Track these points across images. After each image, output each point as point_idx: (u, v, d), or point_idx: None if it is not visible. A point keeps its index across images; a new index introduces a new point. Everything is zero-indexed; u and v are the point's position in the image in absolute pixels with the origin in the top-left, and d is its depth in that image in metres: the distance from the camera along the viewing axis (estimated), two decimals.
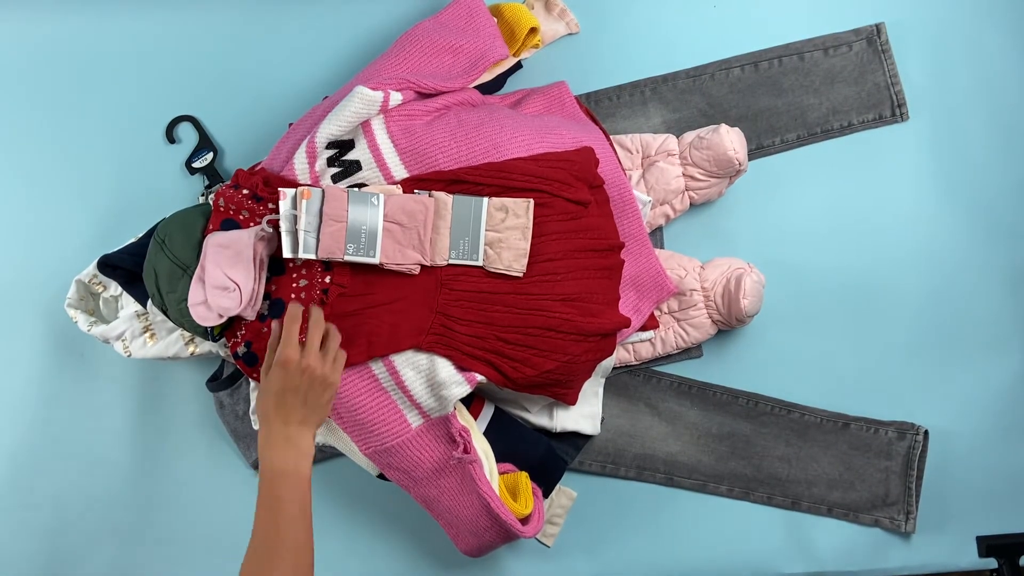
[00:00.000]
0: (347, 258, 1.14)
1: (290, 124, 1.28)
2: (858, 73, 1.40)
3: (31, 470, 1.39)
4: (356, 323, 1.16)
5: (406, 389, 1.16)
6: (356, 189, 1.16)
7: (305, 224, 1.14)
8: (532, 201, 1.15)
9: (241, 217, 1.20)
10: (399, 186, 1.17)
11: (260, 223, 1.18)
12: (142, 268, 1.23)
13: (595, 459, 1.37)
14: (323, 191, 1.15)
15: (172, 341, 1.29)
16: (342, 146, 1.18)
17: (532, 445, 1.27)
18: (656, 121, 1.40)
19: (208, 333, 1.20)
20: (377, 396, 1.17)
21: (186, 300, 1.18)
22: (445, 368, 1.16)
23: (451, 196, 1.16)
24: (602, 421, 1.36)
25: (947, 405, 1.38)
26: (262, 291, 1.17)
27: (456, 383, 1.16)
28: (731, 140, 1.29)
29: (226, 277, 1.15)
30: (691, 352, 1.38)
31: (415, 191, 1.17)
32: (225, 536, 1.38)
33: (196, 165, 1.39)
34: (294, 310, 1.03)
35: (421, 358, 1.16)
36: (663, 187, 1.34)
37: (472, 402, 1.26)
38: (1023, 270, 1.40)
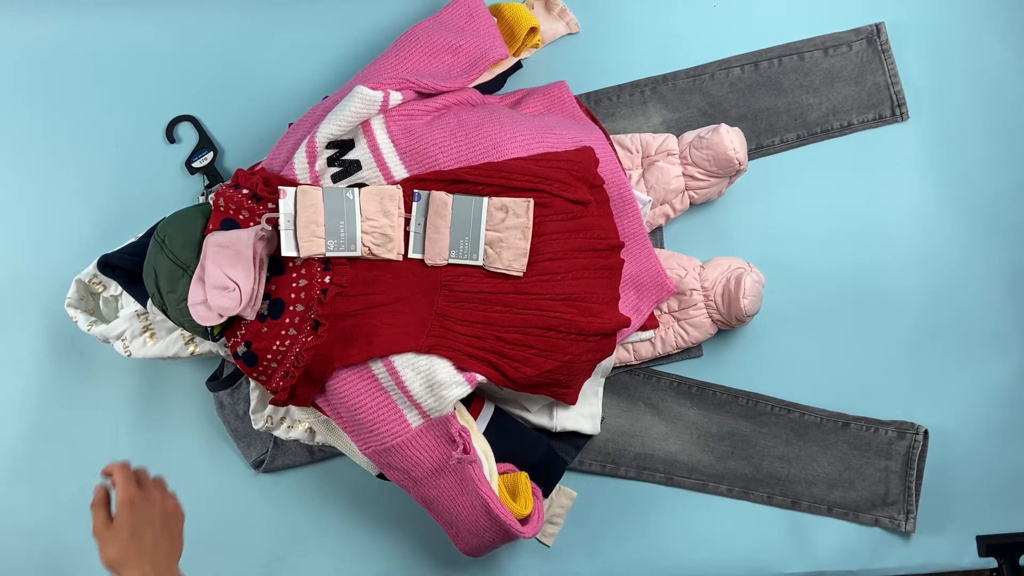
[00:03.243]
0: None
1: (290, 124, 1.28)
2: (858, 73, 1.40)
3: (31, 469, 1.38)
4: (355, 323, 1.16)
5: (406, 389, 1.16)
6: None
7: (285, 223, 1.15)
8: (532, 201, 1.15)
9: (241, 217, 1.20)
10: (399, 186, 1.17)
11: (260, 223, 1.18)
12: (142, 268, 1.23)
13: (595, 459, 1.37)
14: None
15: (172, 341, 1.29)
16: (342, 146, 1.18)
17: (532, 445, 1.27)
18: (656, 121, 1.40)
19: (208, 333, 1.20)
20: (377, 396, 1.17)
21: (186, 300, 1.18)
22: (445, 368, 1.15)
23: (451, 196, 1.16)
24: (602, 421, 1.36)
25: (947, 405, 1.38)
26: (262, 291, 1.17)
27: (456, 383, 1.16)
28: (731, 140, 1.29)
29: (226, 277, 1.15)
30: (691, 352, 1.38)
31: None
32: (225, 536, 1.38)
33: (196, 165, 1.39)
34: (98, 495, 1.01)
35: (421, 359, 1.16)
36: (663, 187, 1.34)
37: (472, 402, 1.26)
38: (1023, 270, 1.40)
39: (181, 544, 1.00)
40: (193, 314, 1.16)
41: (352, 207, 1.15)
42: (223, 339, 1.22)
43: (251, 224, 1.19)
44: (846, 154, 1.40)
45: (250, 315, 1.17)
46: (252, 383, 1.28)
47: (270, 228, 1.17)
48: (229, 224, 1.19)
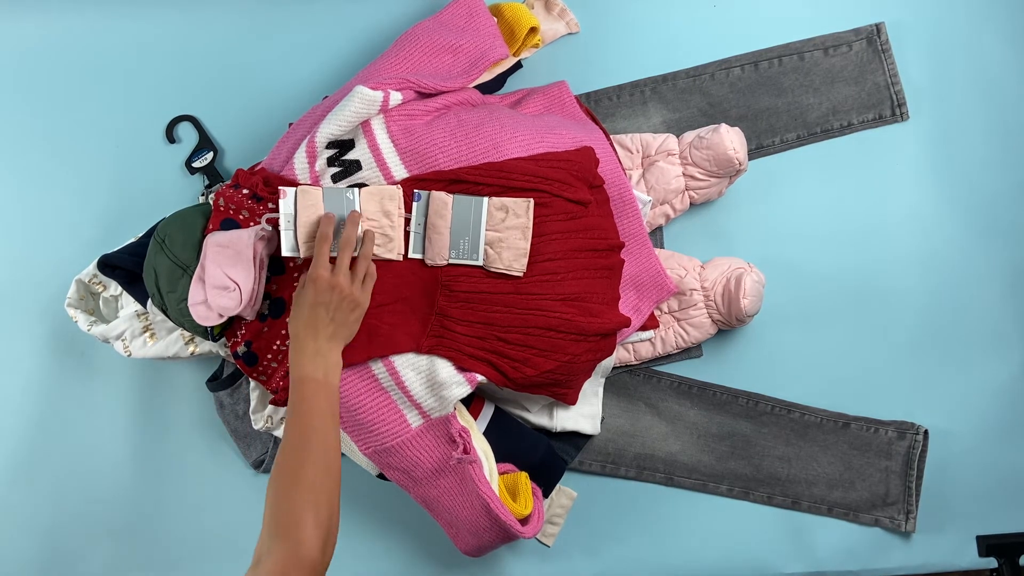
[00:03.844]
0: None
1: (290, 124, 1.28)
2: (858, 73, 1.40)
3: (31, 469, 1.39)
4: None
5: (406, 389, 1.16)
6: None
7: (285, 224, 1.15)
8: (532, 201, 1.15)
9: (241, 217, 1.20)
10: (399, 186, 1.17)
11: (260, 223, 1.18)
12: (142, 268, 1.23)
13: (595, 459, 1.37)
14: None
15: (172, 341, 1.29)
16: (342, 146, 1.18)
17: (532, 445, 1.27)
18: (656, 121, 1.40)
19: (208, 333, 1.20)
20: (377, 396, 1.17)
21: (186, 299, 1.18)
22: (445, 368, 1.16)
23: (451, 196, 1.16)
24: (602, 421, 1.36)
25: (947, 405, 1.38)
26: (262, 291, 1.17)
27: (456, 383, 1.16)
28: (731, 140, 1.29)
29: (226, 277, 1.15)
30: (691, 352, 1.38)
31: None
32: (225, 536, 1.38)
33: (196, 165, 1.39)
34: (325, 228, 1.09)
35: (421, 359, 1.16)
36: (663, 187, 1.34)
37: (472, 402, 1.26)
38: (1023, 270, 1.40)
39: (352, 330, 1.11)
40: (193, 314, 1.16)
41: (352, 207, 1.15)
42: (223, 339, 1.22)
43: (251, 224, 1.19)
44: (846, 154, 1.40)
45: (250, 315, 1.17)
46: (252, 383, 1.28)
47: (270, 228, 1.17)
48: (229, 224, 1.19)
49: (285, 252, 1.16)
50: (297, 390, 1.05)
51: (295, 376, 1.06)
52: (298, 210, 1.15)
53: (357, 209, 1.15)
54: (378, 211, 1.16)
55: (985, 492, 1.38)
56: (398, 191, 1.17)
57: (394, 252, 1.17)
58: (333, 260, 1.11)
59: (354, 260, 1.12)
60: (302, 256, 1.16)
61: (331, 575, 1.35)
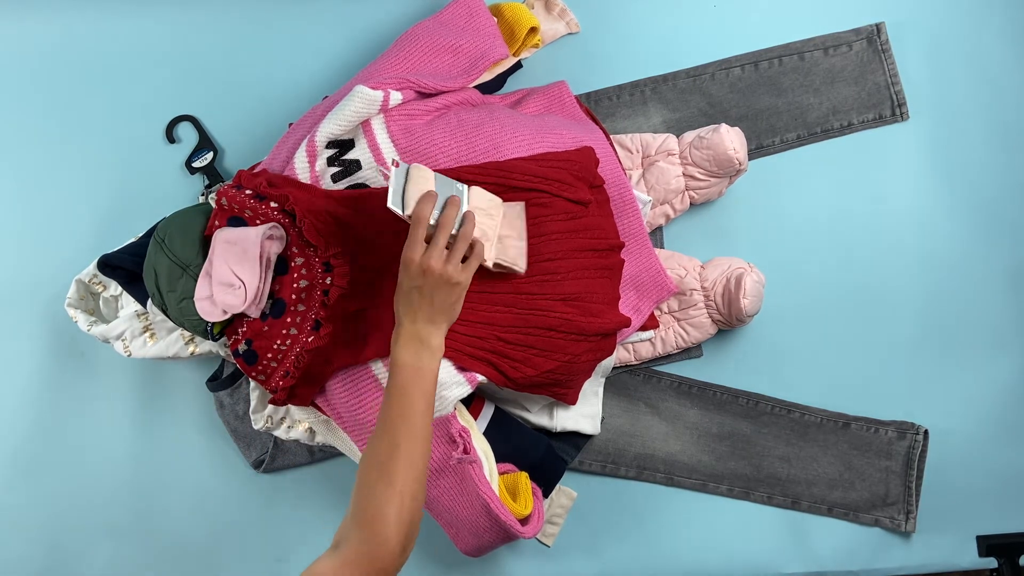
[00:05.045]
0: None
1: (290, 124, 1.28)
2: (858, 73, 1.40)
3: (31, 469, 1.38)
4: (356, 324, 1.16)
5: None
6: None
7: (392, 198, 1.06)
8: (501, 203, 1.12)
9: (246, 215, 1.20)
10: (518, 202, 1.14)
11: (264, 222, 1.18)
12: (142, 268, 1.23)
13: (595, 459, 1.37)
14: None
15: (172, 341, 1.29)
16: (342, 145, 1.18)
17: (532, 445, 1.27)
18: (656, 121, 1.40)
19: (208, 332, 1.20)
20: (377, 396, 1.17)
21: (186, 299, 1.18)
22: (445, 368, 1.15)
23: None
24: (602, 421, 1.36)
25: (947, 405, 1.38)
26: (267, 290, 1.17)
27: (456, 383, 1.15)
28: (731, 140, 1.29)
29: (232, 274, 1.15)
30: (691, 352, 1.38)
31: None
32: (225, 536, 1.38)
33: (196, 165, 1.39)
34: (421, 209, 1.02)
35: None
36: (663, 187, 1.34)
37: (472, 402, 1.26)
38: (1023, 270, 1.40)
39: (453, 313, 1.05)
40: (198, 308, 1.16)
41: (458, 195, 1.09)
42: (223, 339, 1.22)
43: (256, 222, 1.19)
44: (846, 154, 1.40)
45: (254, 312, 1.17)
46: (252, 383, 1.28)
47: (279, 228, 1.17)
48: (236, 222, 1.19)
49: (391, 204, 1.06)
50: (393, 376, 1.03)
51: (393, 362, 1.04)
52: (408, 181, 1.06)
53: (464, 201, 1.10)
54: (483, 212, 1.11)
55: (985, 492, 1.37)
56: (502, 204, 1.13)
57: (483, 256, 1.09)
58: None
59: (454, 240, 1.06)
60: (406, 214, 1.07)
61: None
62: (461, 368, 1.16)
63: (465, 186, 1.10)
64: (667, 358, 1.38)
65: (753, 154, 1.40)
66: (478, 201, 1.11)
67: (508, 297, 1.16)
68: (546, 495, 1.28)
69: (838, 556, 1.37)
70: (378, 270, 1.17)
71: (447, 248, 1.04)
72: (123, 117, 1.41)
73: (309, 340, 1.16)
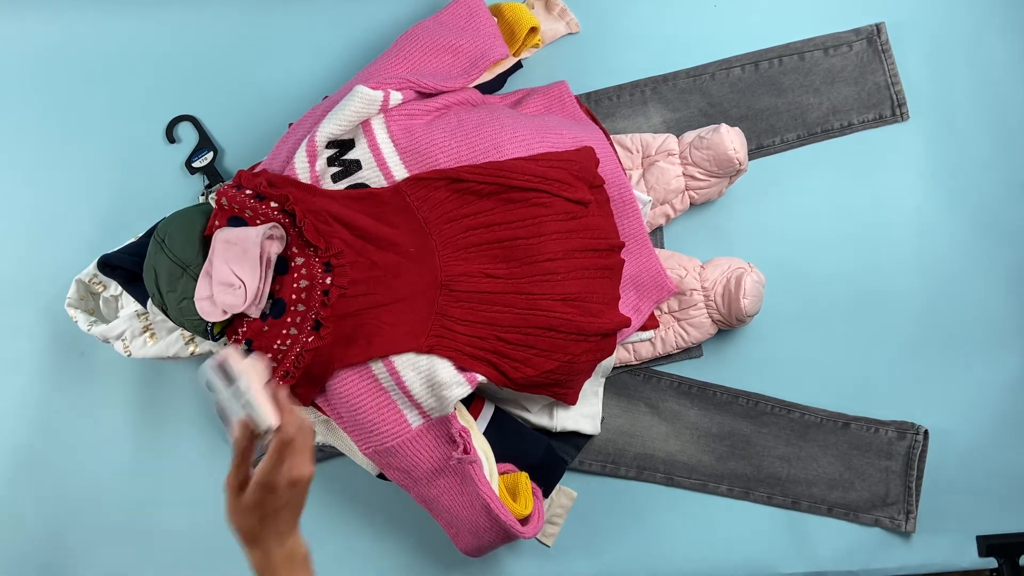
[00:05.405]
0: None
1: (290, 124, 1.28)
2: (858, 73, 1.40)
3: (31, 469, 1.38)
4: (356, 324, 1.16)
5: (406, 389, 1.16)
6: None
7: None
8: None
9: (246, 215, 1.20)
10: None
11: (264, 222, 1.18)
12: (142, 268, 1.23)
13: (595, 459, 1.37)
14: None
15: (172, 341, 1.29)
16: (342, 145, 1.18)
17: (532, 445, 1.27)
18: (656, 121, 1.40)
19: (208, 332, 1.20)
20: (377, 396, 1.17)
21: (186, 299, 1.18)
22: (445, 368, 1.15)
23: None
24: (602, 421, 1.36)
25: (947, 405, 1.38)
26: (267, 290, 1.17)
27: (456, 383, 1.15)
28: (731, 140, 1.29)
29: (232, 274, 1.15)
30: (691, 352, 1.38)
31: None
32: (225, 536, 1.38)
33: (196, 165, 1.39)
34: (242, 440, 1.00)
35: (421, 358, 1.16)
36: (663, 187, 1.34)
37: (472, 402, 1.26)
38: (1023, 270, 1.40)
39: (303, 503, 0.99)
40: (198, 308, 1.16)
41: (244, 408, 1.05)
42: (223, 339, 1.22)
43: (257, 222, 1.19)
44: (846, 154, 1.40)
45: (254, 312, 1.17)
46: None
47: (280, 228, 1.17)
48: (236, 222, 1.19)
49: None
50: None
51: None
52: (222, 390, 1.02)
53: (252, 402, 1.02)
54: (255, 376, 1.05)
55: (985, 492, 1.38)
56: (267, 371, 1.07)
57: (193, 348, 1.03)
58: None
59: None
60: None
61: (331, 575, 1.36)
62: (461, 368, 1.16)
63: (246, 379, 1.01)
64: (667, 358, 1.38)
65: (753, 154, 1.40)
66: (252, 375, 1.03)
67: (508, 297, 1.16)
68: (546, 495, 1.28)
69: (838, 556, 1.37)
70: (379, 270, 1.17)
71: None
72: (123, 117, 1.41)
73: (309, 340, 1.16)
